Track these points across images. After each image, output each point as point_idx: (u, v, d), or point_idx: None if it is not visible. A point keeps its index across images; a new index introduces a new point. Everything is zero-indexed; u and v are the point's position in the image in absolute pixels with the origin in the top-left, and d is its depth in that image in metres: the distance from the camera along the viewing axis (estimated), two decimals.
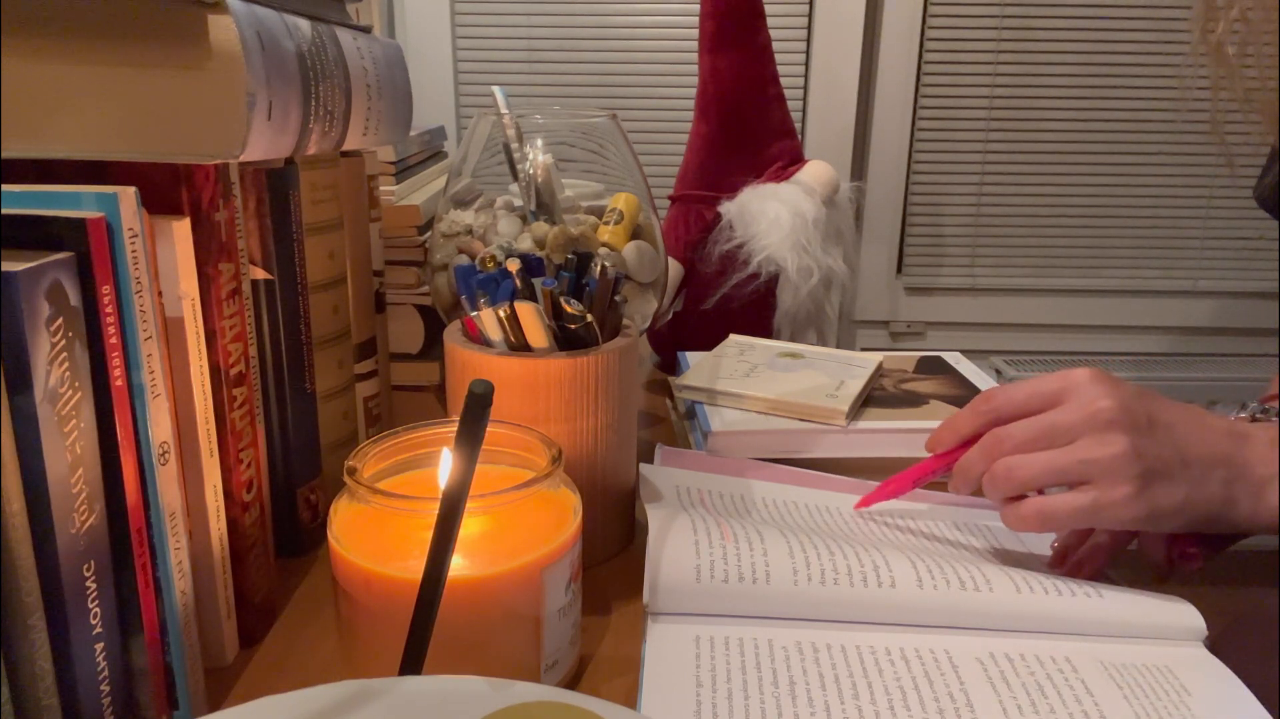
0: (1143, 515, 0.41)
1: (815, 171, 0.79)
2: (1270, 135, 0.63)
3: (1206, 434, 0.43)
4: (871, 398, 0.64)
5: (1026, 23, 1.60)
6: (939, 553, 0.46)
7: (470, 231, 0.55)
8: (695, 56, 0.81)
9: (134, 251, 0.30)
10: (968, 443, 0.46)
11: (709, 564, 0.42)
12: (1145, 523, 0.41)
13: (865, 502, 0.52)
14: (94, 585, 0.30)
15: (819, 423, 0.59)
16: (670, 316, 0.81)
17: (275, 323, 0.44)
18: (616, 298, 0.46)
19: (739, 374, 0.65)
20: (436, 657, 0.29)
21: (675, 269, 0.79)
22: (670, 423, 0.69)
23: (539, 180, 0.53)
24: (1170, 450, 0.42)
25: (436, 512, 0.30)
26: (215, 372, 0.37)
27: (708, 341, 0.74)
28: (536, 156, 0.53)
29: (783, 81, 0.82)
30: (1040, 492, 0.44)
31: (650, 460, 0.56)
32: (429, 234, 0.61)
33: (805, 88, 1.63)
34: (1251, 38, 0.60)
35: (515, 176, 0.54)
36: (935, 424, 0.59)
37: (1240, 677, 0.38)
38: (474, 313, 0.44)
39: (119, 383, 0.30)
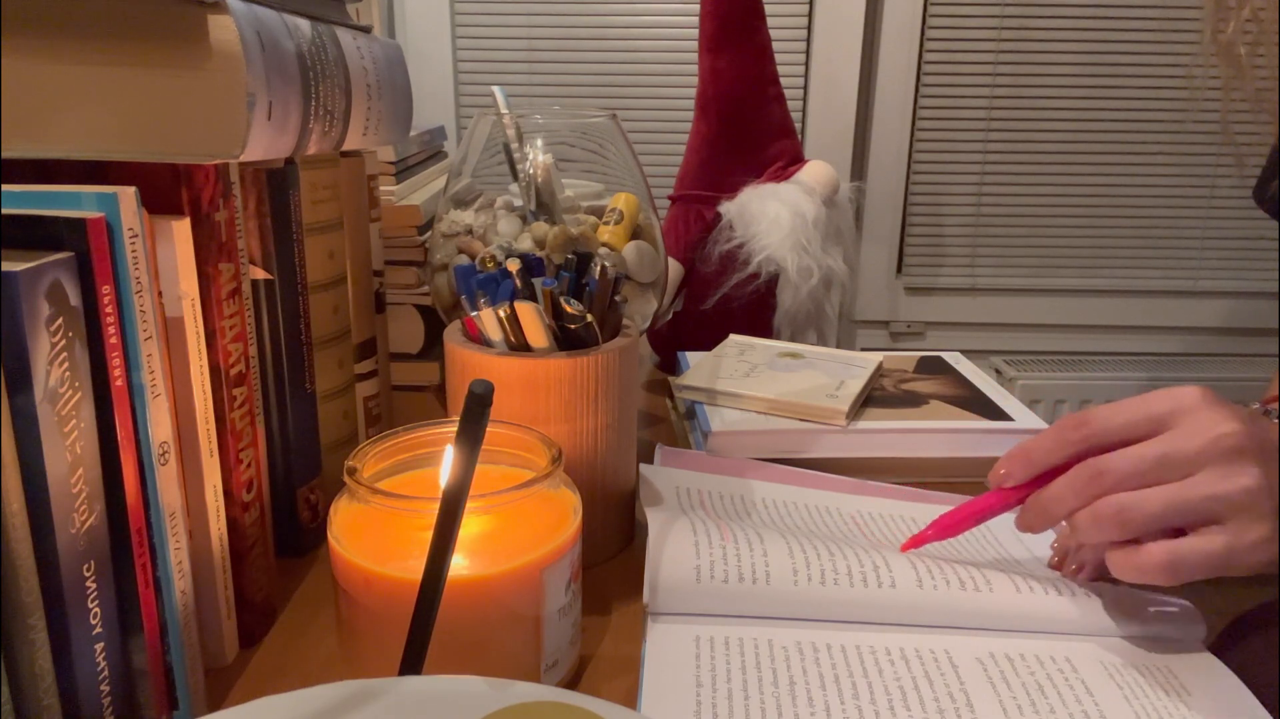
0: (1274, 559, 0.36)
1: (815, 171, 0.79)
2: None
3: None
4: (871, 398, 0.64)
5: (1026, 23, 1.60)
6: (939, 553, 0.46)
7: (470, 231, 0.55)
8: (695, 56, 0.81)
9: (134, 251, 0.30)
10: (1042, 477, 0.40)
11: (709, 564, 0.42)
12: (1272, 567, 0.36)
13: (914, 542, 0.45)
14: (94, 585, 0.30)
15: (819, 423, 0.59)
16: (670, 316, 0.81)
17: (275, 323, 0.44)
18: (616, 298, 0.46)
19: (739, 374, 0.65)
20: (436, 657, 0.29)
21: (675, 269, 0.79)
22: (670, 423, 0.69)
23: (539, 180, 0.53)
24: None
25: (436, 512, 0.30)
26: (215, 372, 0.37)
27: (708, 341, 0.74)
28: (536, 156, 0.53)
29: (783, 81, 0.82)
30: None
31: (650, 460, 0.56)
32: (429, 234, 0.61)
33: (805, 88, 1.63)
34: (1263, 37, 0.60)
35: (515, 176, 0.54)
36: (935, 424, 0.59)
37: (1240, 677, 0.38)
38: (474, 313, 0.44)
39: (119, 383, 0.30)
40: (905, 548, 0.45)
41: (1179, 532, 0.37)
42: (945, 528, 0.44)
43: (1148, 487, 0.37)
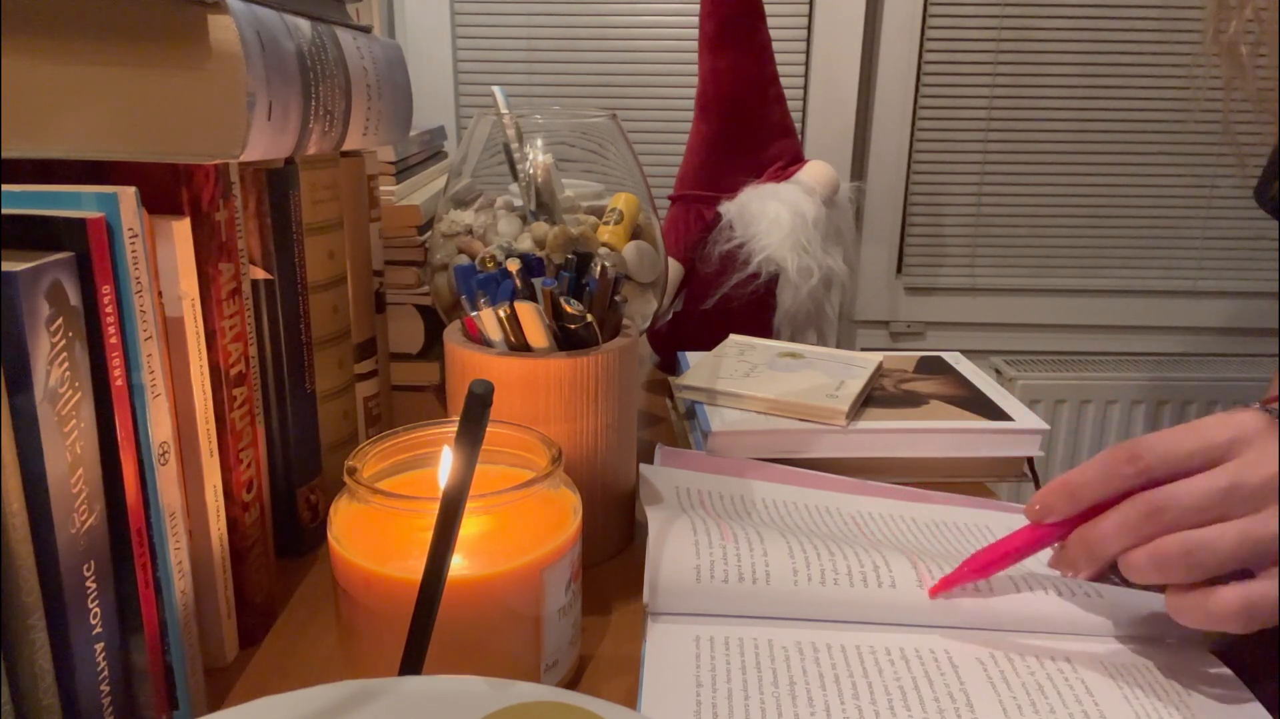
0: None
1: (815, 171, 0.79)
2: None
3: None
4: (871, 398, 0.64)
5: (1026, 23, 1.60)
6: (940, 553, 0.46)
7: (470, 231, 0.55)
8: (695, 56, 0.81)
9: (134, 251, 0.30)
10: (1092, 509, 0.37)
11: (709, 564, 0.42)
12: None
13: (943, 585, 0.41)
14: (94, 585, 0.30)
15: (819, 423, 0.59)
16: (670, 316, 0.81)
17: (275, 323, 0.44)
18: (616, 298, 0.46)
19: (739, 374, 0.65)
20: (436, 657, 0.29)
21: (675, 269, 0.79)
22: (670, 423, 0.69)
23: (539, 180, 0.53)
24: None
25: (436, 512, 0.30)
26: (215, 371, 0.37)
27: (708, 341, 0.74)
28: (536, 156, 0.53)
29: (783, 81, 0.82)
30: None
31: (650, 460, 0.56)
32: (429, 234, 0.61)
33: (805, 88, 1.63)
34: (1264, 37, 0.60)
35: (515, 176, 0.54)
36: (935, 424, 0.59)
37: (1240, 677, 0.38)
38: (474, 313, 0.44)
39: (119, 383, 0.30)
40: (934, 593, 0.41)
41: (1245, 570, 0.34)
42: (978, 569, 0.41)
43: (1211, 523, 0.34)
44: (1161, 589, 0.40)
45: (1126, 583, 0.43)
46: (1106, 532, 0.36)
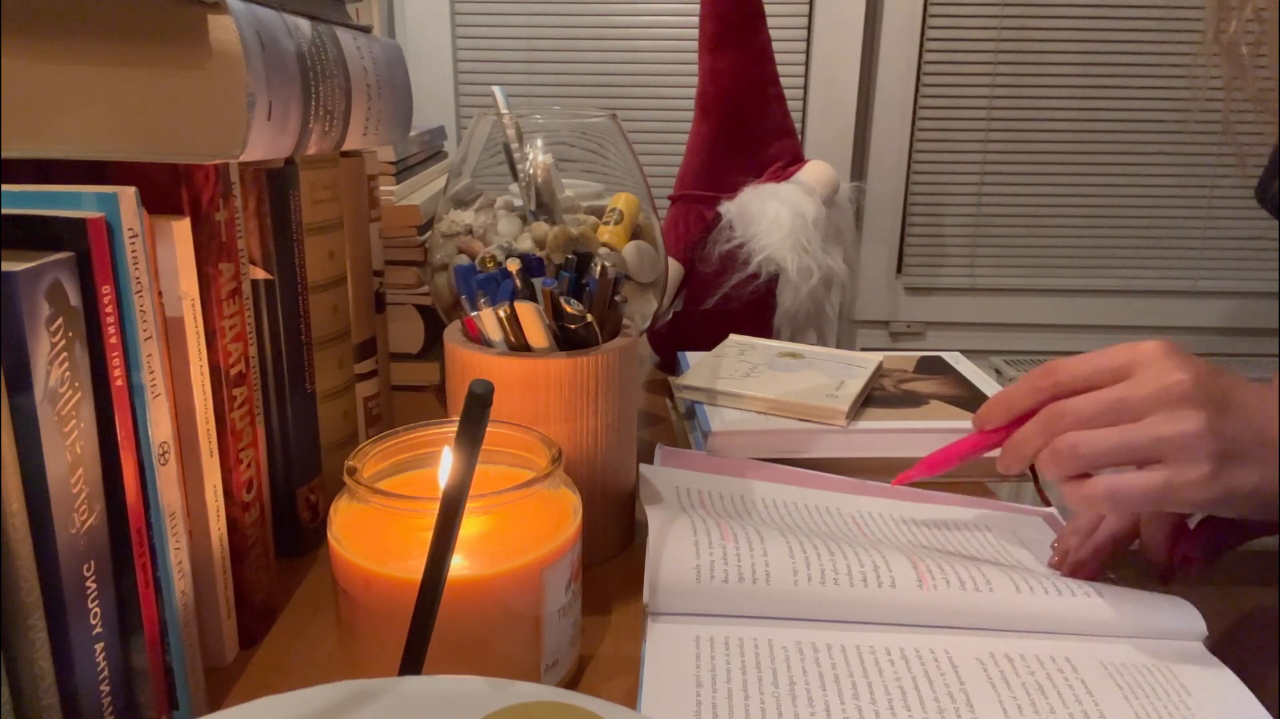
0: (1216, 498, 0.39)
1: (815, 171, 0.79)
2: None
3: None
4: (871, 398, 0.64)
5: (1026, 23, 1.60)
6: (939, 553, 0.46)
7: (470, 231, 0.55)
8: (695, 56, 0.81)
9: (134, 251, 0.30)
10: (1019, 420, 0.44)
11: (709, 564, 0.42)
12: (1216, 506, 0.39)
13: (904, 478, 0.49)
14: (94, 585, 0.30)
15: (819, 423, 0.59)
16: (670, 316, 0.81)
17: (275, 323, 0.44)
18: (616, 298, 0.46)
19: (739, 374, 0.65)
20: (436, 657, 0.29)
21: (675, 269, 0.79)
22: (670, 423, 0.69)
23: (539, 180, 0.53)
24: (1246, 430, 0.39)
25: (436, 512, 0.30)
26: (215, 371, 0.37)
27: (708, 341, 0.74)
28: (536, 156, 0.53)
29: (783, 81, 0.82)
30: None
31: (650, 460, 0.56)
32: (429, 234, 0.61)
33: (805, 88, 1.63)
34: (1265, 37, 0.60)
35: (515, 176, 0.54)
36: (935, 424, 0.59)
37: (1240, 677, 0.38)
38: (474, 313, 0.44)
39: (119, 383, 0.30)
40: (896, 482, 0.49)
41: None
42: (934, 465, 0.47)
43: (1103, 428, 0.40)
44: (1166, 588, 0.43)
45: (1126, 583, 0.43)
46: (1026, 434, 0.43)
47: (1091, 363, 0.42)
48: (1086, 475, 0.41)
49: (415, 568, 0.30)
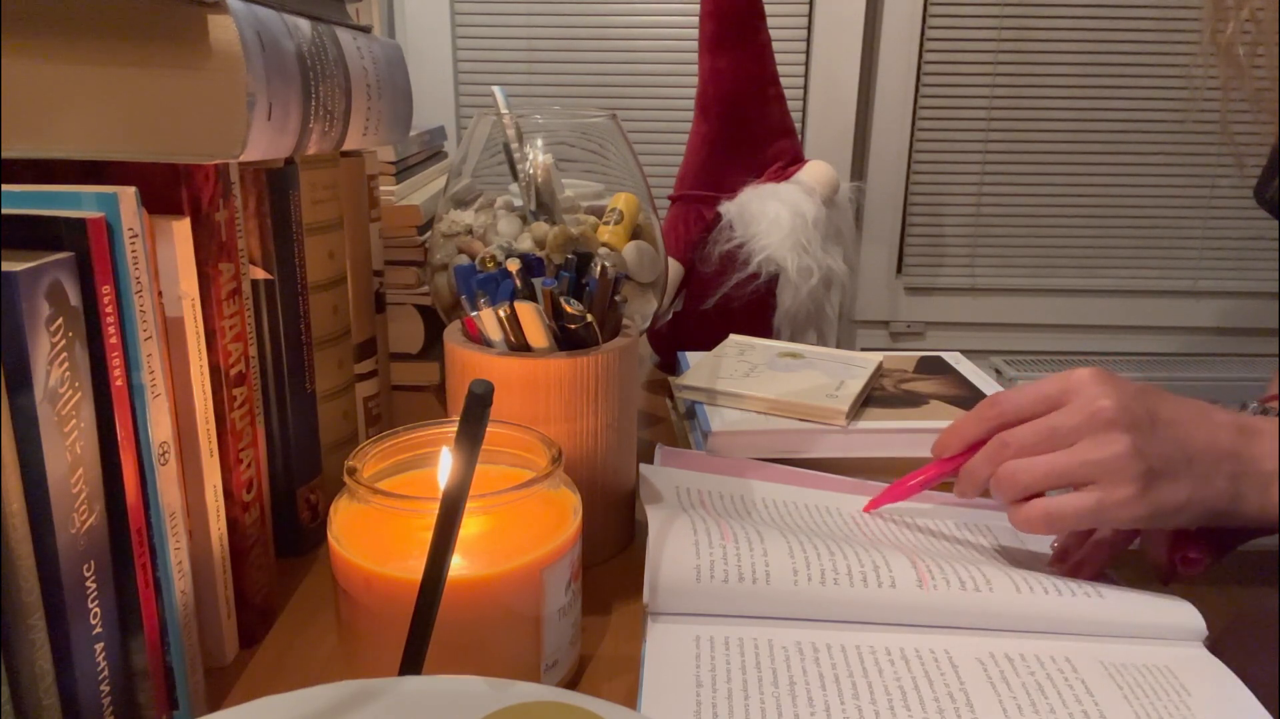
0: (1147, 514, 0.41)
1: (815, 171, 0.79)
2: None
3: (1212, 429, 0.42)
4: (871, 398, 0.64)
5: (1026, 23, 1.60)
6: (939, 553, 0.46)
7: (470, 231, 0.55)
8: (695, 56, 0.81)
9: (134, 251, 0.30)
10: (973, 447, 0.46)
11: (709, 564, 0.42)
12: (1150, 521, 0.41)
13: (872, 504, 0.52)
14: (94, 585, 0.30)
15: (819, 423, 0.59)
16: (670, 316, 0.81)
17: (275, 323, 0.44)
18: (616, 298, 0.46)
19: (739, 374, 0.65)
20: (436, 657, 0.29)
21: (675, 269, 0.79)
22: (670, 423, 0.69)
23: (539, 180, 0.53)
24: (1173, 448, 0.41)
25: (436, 512, 0.30)
26: (215, 371, 0.37)
27: (708, 341, 0.74)
28: (536, 156, 0.53)
29: (783, 81, 0.82)
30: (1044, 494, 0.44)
31: (650, 460, 0.56)
32: (429, 234, 0.61)
33: (805, 88, 1.63)
34: (1262, 38, 0.60)
35: (515, 176, 0.54)
36: (935, 424, 0.59)
37: (1240, 677, 0.38)
38: (474, 313, 0.44)
39: (119, 383, 0.30)
40: (867, 509, 0.52)
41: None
42: (898, 493, 0.51)
43: (1041, 455, 0.43)
44: (1166, 588, 0.43)
45: (1126, 583, 0.43)
46: (976, 463, 0.45)
47: (1029, 394, 0.45)
48: (1034, 497, 0.43)
49: (415, 568, 0.30)
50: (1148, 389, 0.43)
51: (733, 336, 0.75)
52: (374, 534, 0.36)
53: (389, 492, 0.35)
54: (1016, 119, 1.65)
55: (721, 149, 0.81)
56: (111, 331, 0.30)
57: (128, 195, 0.30)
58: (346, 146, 0.48)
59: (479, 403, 0.30)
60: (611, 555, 0.49)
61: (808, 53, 1.62)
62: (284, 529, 0.47)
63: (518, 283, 0.43)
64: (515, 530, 0.36)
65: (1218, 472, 0.41)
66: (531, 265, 0.45)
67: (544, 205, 0.54)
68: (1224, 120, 0.65)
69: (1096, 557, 0.45)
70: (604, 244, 0.54)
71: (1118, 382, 0.43)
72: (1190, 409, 0.43)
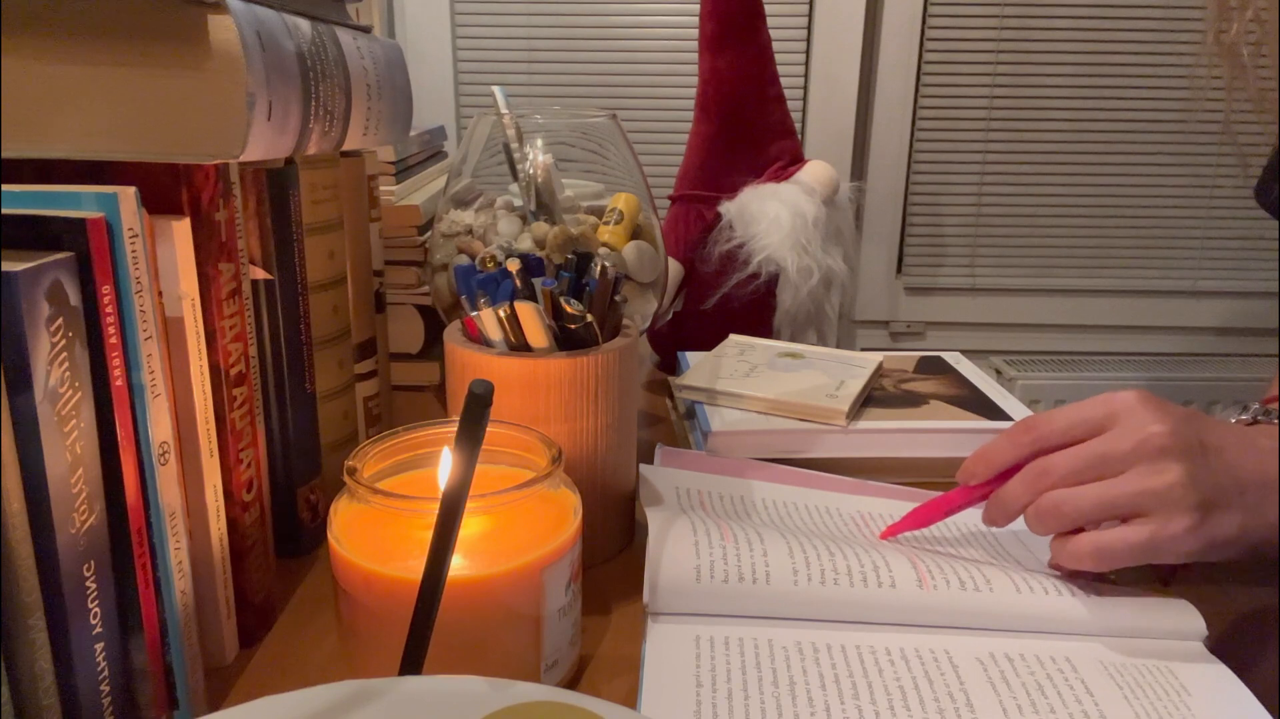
0: (1200, 548, 0.39)
1: (815, 171, 0.79)
2: None
3: (1260, 457, 0.40)
4: (871, 398, 0.64)
5: (1026, 23, 1.60)
6: (939, 553, 0.46)
7: (470, 231, 0.55)
8: (695, 56, 0.81)
9: (134, 251, 0.30)
10: (1004, 474, 0.44)
11: (709, 564, 0.42)
12: (1201, 555, 0.39)
13: (890, 532, 0.48)
14: (94, 585, 0.30)
15: (819, 423, 0.59)
16: (670, 316, 0.81)
17: (275, 323, 0.44)
18: (616, 298, 0.46)
19: (739, 374, 0.65)
20: (436, 657, 0.29)
21: (675, 269, 0.79)
22: (670, 423, 0.69)
23: (539, 180, 0.53)
24: (1225, 477, 0.39)
25: (436, 512, 0.30)
26: (215, 371, 0.37)
27: (708, 341, 0.74)
28: (536, 156, 0.53)
29: (783, 81, 0.82)
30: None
31: (650, 460, 0.56)
32: (429, 234, 0.61)
33: (805, 88, 1.63)
34: (1265, 38, 0.60)
35: (515, 176, 0.54)
36: (935, 424, 0.59)
37: (1240, 677, 0.38)
38: (474, 313, 0.44)
39: (119, 383, 0.30)
40: (883, 536, 0.48)
41: (1123, 523, 0.40)
42: (919, 519, 0.47)
43: (1085, 483, 0.40)
44: (1166, 588, 0.43)
45: (1126, 583, 0.43)
46: (1010, 491, 0.43)
47: (1070, 417, 0.42)
48: (1075, 531, 0.41)
49: (415, 568, 0.30)
50: (1193, 414, 0.41)
51: (733, 336, 0.75)
52: (374, 534, 0.36)
53: (389, 492, 0.35)
54: (1016, 119, 1.65)
55: (721, 149, 0.81)
56: (111, 331, 0.30)
57: (128, 195, 0.30)
58: (346, 146, 0.48)
59: (479, 403, 0.30)
60: (611, 555, 0.49)
61: (808, 53, 1.62)
62: (284, 529, 0.47)
63: (518, 283, 0.43)
64: (515, 530, 0.36)
65: (1268, 501, 0.39)
66: (531, 265, 0.45)
67: (544, 205, 0.54)
68: (1227, 121, 0.65)
69: None
70: (604, 244, 0.54)
71: (1165, 405, 0.41)
72: (1234, 435, 0.41)
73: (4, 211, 0.29)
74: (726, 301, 0.77)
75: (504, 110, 0.53)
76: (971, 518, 0.52)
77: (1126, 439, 0.40)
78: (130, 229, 0.30)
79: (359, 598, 0.34)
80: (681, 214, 0.81)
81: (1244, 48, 0.60)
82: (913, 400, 0.63)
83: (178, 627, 0.34)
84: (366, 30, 0.51)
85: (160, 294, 0.34)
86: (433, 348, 0.69)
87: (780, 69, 0.82)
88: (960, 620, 0.41)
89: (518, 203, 0.55)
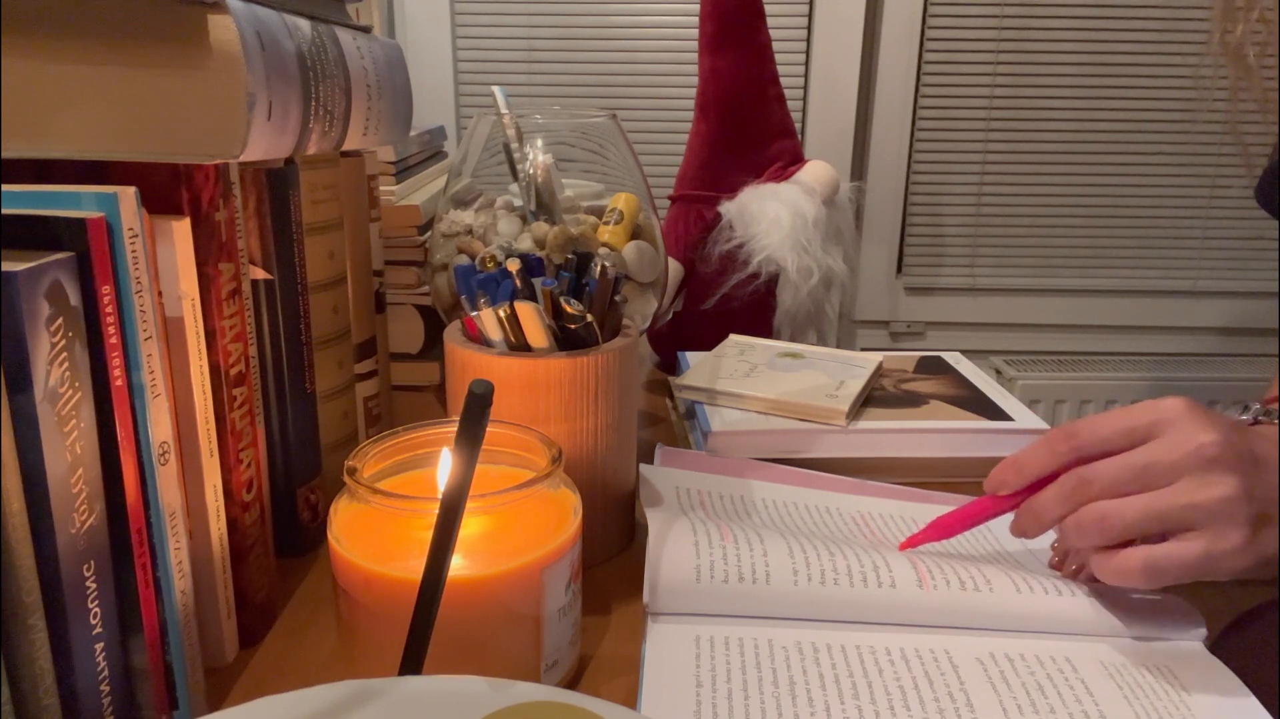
0: (1252, 564, 0.37)
1: (815, 171, 0.79)
2: None
3: None
4: (871, 398, 0.64)
5: (1026, 23, 1.60)
6: (939, 553, 0.46)
7: (470, 231, 0.55)
8: (695, 56, 0.81)
9: (134, 251, 0.30)
10: (1035, 484, 0.42)
11: (709, 564, 0.42)
12: (1252, 572, 0.37)
13: (911, 542, 0.46)
14: (94, 585, 0.30)
15: (819, 423, 0.59)
16: (670, 316, 0.81)
17: (275, 323, 0.44)
18: (616, 298, 0.46)
19: (739, 374, 0.65)
20: (436, 657, 0.29)
21: (675, 269, 0.79)
22: (670, 423, 0.69)
23: (539, 180, 0.53)
24: (1275, 489, 0.37)
25: (436, 512, 0.30)
26: (215, 371, 0.37)
27: (708, 341, 0.74)
28: (536, 156, 0.53)
29: (783, 81, 0.82)
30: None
31: (650, 460, 0.56)
32: (429, 234, 0.61)
33: (805, 88, 1.63)
34: (1271, 39, 0.60)
35: (515, 176, 0.54)
36: (935, 424, 0.59)
37: (1240, 677, 0.38)
38: (474, 313, 0.44)
39: (119, 383, 0.30)
40: (903, 547, 0.46)
41: (1163, 537, 0.38)
42: (942, 530, 0.45)
43: (1130, 495, 0.38)
44: (1163, 589, 0.42)
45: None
46: (1046, 501, 0.41)
47: (1113, 424, 0.40)
48: (1118, 545, 0.39)
49: (415, 568, 0.30)
50: (1239, 424, 0.39)
51: (733, 336, 0.75)
52: (374, 534, 0.36)
53: (389, 492, 0.35)
54: (1016, 119, 1.65)
55: (721, 149, 0.81)
56: (111, 331, 0.30)
57: (128, 195, 0.30)
58: (346, 146, 0.48)
59: (479, 403, 0.30)
60: (611, 555, 0.49)
61: (808, 53, 1.62)
62: (284, 529, 0.47)
63: (518, 283, 0.43)
64: (515, 530, 0.36)
65: None
66: (531, 265, 0.45)
67: (544, 205, 0.54)
68: (1233, 122, 0.65)
69: None
70: (604, 244, 0.54)
71: (1212, 414, 0.39)
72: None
73: (4, 211, 0.29)
74: (726, 301, 0.77)
75: (504, 110, 0.53)
76: None
77: (1175, 449, 0.38)
78: (130, 229, 0.30)
79: (359, 598, 0.34)
80: (681, 214, 0.81)
81: (1250, 49, 0.60)
82: (913, 400, 0.63)
83: (178, 627, 0.34)
84: (366, 30, 0.51)
85: (160, 294, 0.34)
86: (433, 348, 0.69)
87: (780, 69, 0.82)
88: (960, 620, 0.41)
89: (518, 203, 0.55)
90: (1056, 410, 1.64)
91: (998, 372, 1.68)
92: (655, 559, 0.42)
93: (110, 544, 0.31)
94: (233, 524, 0.39)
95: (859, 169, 1.68)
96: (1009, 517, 0.44)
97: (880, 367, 0.67)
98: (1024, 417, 0.60)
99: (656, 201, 0.59)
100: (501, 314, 0.43)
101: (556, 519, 0.37)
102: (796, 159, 0.82)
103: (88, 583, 0.30)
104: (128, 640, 0.32)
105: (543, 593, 0.35)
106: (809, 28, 1.60)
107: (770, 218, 0.76)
